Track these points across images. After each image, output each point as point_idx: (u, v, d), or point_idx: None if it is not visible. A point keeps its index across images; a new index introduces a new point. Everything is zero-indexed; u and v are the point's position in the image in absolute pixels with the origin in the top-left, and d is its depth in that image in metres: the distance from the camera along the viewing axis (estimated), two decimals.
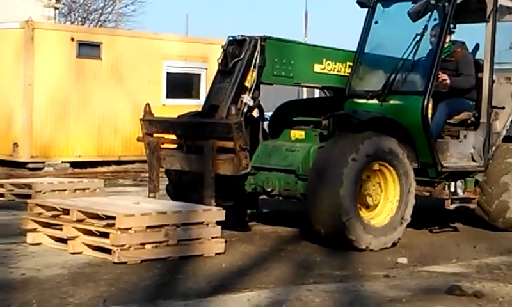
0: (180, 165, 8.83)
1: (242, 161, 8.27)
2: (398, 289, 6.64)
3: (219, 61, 8.97)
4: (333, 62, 9.66)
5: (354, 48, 9.91)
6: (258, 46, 8.77)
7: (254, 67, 8.75)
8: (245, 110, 8.69)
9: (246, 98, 8.71)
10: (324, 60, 9.57)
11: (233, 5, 75.95)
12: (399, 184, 8.70)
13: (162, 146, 9.01)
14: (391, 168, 8.65)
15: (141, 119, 9.11)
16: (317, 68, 9.51)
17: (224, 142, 8.34)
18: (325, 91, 10.54)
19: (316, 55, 9.55)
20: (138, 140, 9.22)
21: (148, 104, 9.12)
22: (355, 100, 9.53)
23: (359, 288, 6.70)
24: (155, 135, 9.10)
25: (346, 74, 9.78)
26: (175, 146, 9.06)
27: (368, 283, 6.88)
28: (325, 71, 9.60)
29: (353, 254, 8.20)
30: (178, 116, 9.32)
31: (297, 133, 9.43)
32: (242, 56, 8.75)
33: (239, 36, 8.92)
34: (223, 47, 8.98)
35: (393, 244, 8.61)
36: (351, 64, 9.78)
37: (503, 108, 9.81)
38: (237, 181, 8.98)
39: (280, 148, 9.23)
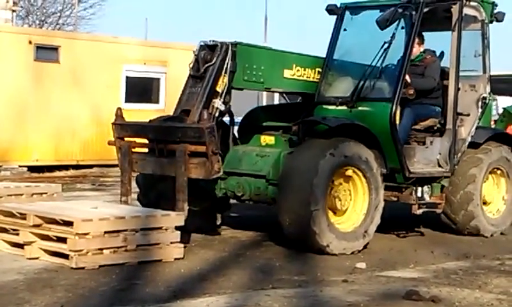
0: (152, 169, 8.80)
1: (214, 165, 8.27)
2: (356, 294, 6.66)
3: (191, 65, 8.97)
4: (303, 68, 9.71)
5: (319, 55, 9.99)
6: (230, 51, 8.79)
7: (225, 72, 8.77)
8: (217, 114, 8.72)
9: (218, 103, 8.73)
10: (294, 66, 9.62)
11: (193, 9, 75.42)
12: (369, 198, 8.81)
13: (133, 150, 8.99)
14: (362, 176, 8.75)
15: (112, 123, 9.07)
16: (287, 73, 9.55)
17: (197, 147, 8.32)
18: (284, 95, 10.59)
19: (286, 61, 9.59)
20: (109, 144, 9.17)
21: (119, 108, 9.07)
22: (324, 106, 9.62)
23: (318, 293, 6.71)
24: (126, 139, 9.07)
25: (315, 80, 9.83)
26: (147, 150, 9.05)
27: (327, 288, 6.91)
28: (295, 76, 9.65)
29: (312, 259, 8.23)
30: (150, 120, 9.30)
31: (267, 139, 9.50)
32: (213, 61, 8.76)
33: (210, 41, 8.94)
34: (194, 51, 8.99)
35: (352, 253, 8.61)
36: (320, 70, 9.86)
37: (468, 115, 9.99)
38: (208, 186, 9.00)
39: (250, 153, 9.28)
